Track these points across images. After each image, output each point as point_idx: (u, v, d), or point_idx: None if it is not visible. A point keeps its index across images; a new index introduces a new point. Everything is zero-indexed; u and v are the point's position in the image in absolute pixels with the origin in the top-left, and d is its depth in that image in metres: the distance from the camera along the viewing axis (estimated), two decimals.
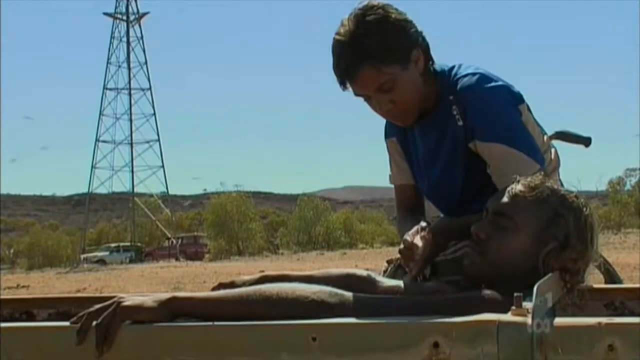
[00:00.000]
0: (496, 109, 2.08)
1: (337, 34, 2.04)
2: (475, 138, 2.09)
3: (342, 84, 2.06)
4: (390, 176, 2.42)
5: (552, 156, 2.29)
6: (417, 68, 2.09)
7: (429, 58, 2.13)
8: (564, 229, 1.66)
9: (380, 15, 2.02)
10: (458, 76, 2.14)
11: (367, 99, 2.11)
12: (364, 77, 2.03)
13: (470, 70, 2.14)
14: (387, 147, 2.40)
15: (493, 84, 2.11)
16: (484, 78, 2.11)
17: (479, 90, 2.09)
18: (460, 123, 2.11)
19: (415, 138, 2.27)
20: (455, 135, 2.14)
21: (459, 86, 2.11)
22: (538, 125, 2.22)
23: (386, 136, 2.39)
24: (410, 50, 2.07)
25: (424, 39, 2.11)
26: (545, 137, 2.27)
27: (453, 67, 2.18)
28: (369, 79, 2.03)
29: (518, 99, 2.14)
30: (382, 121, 2.36)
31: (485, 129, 2.07)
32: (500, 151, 2.05)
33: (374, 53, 2.01)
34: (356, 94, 2.09)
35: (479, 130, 2.08)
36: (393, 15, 2.04)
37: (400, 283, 1.89)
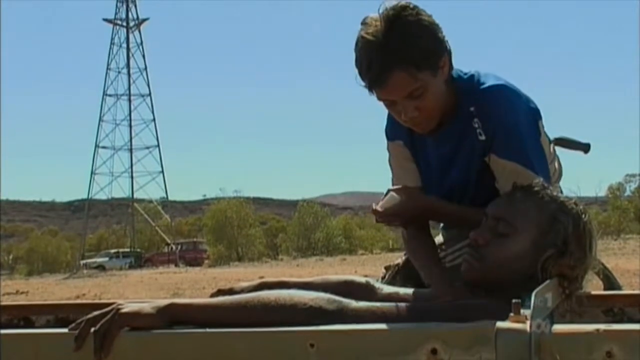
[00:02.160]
0: (520, 129, 2.03)
1: (367, 33, 1.90)
2: (492, 152, 2.05)
3: (370, 87, 1.95)
4: (392, 179, 2.31)
5: (557, 166, 2.28)
6: (442, 75, 2.00)
7: (451, 64, 2.04)
8: (563, 235, 1.66)
9: (415, 17, 1.91)
10: (482, 87, 2.06)
11: (391, 104, 2.01)
12: (396, 82, 1.91)
13: (493, 82, 2.06)
14: (390, 150, 2.29)
15: (518, 100, 2.06)
16: (510, 93, 2.05)
17: (505, 106, 2.03)
18: (482, 137, 2.05)
19: (425, 144, 2.19)
20: (473, 147, 2.08)
21: (484, 99, 2.04)
22: (546, 136, 2.19)
23: (389, 138, 2.28)
24: (441, 56, 1.97)
25: (448, 44, 2.01)
26: (552, 147, 2.24)
27: (472, 75, 2.10)
28: (402, 84, 1.92)
29: (536, 115, 2.10)
30: (382, 125, 2.30)
31: (505, 146, 2.02)
32: (514, 168, 2.01)
33: (409, 57, 1.89)
34: (380, 99, 1.99)
35: (498, 146, 2.03)
36: (426, 18, 1.94)
37: (399, 290, 1.90)
